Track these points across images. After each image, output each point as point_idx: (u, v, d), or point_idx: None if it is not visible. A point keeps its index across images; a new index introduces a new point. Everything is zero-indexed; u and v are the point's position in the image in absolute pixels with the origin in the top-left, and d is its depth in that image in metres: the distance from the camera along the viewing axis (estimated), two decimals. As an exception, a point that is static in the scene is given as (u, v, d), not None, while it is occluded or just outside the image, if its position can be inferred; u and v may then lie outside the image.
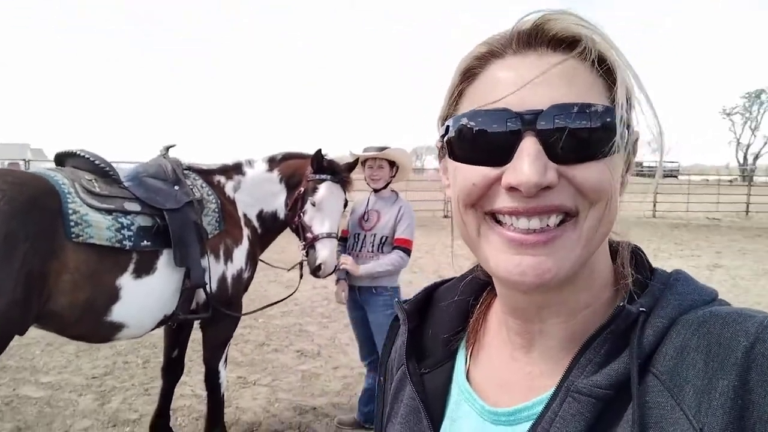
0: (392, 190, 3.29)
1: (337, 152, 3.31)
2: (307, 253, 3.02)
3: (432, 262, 9.12)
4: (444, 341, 0.63)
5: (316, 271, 2.96)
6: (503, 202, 0.48)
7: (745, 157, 45.37)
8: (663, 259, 9.57)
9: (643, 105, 0.50)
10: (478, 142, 0.49)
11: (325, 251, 2.91)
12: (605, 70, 0.49)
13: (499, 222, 0.50)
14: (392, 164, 3.21)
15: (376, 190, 3.23)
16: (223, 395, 3.02)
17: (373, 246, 3.15)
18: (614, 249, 0.57)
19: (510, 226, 0.48)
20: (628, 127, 0.49)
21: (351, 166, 3.16)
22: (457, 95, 0.54)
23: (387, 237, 3.15)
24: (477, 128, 0.49)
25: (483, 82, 0.52)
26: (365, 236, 3.18)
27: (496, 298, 0.62)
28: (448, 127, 0.53)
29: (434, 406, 0.59)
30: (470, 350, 0.62)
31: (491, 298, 0.64)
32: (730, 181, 29.12)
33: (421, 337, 0.65)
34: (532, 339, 0.55)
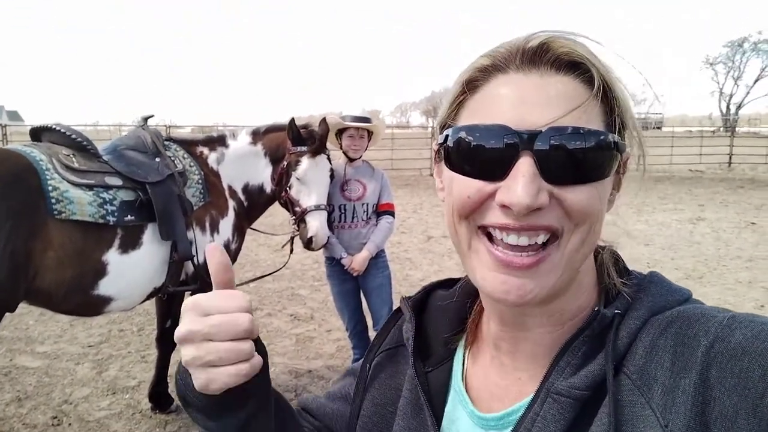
0: (363, 160, 3.31)
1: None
2: (297, 227, 3.02)
3: (420, 222, 9.18)
4: (444, 341, 0.64)
5: (308, 244, 2.97)
6: (495, 217, 0.48)
7: (728, 107, 45.44)
8: (647, 213, 9.74)
9: (635, 129, 0.52)
10: (474, 155, 0.49)
11: (316, 224, 2.92)
12: (604, 95, 0.50)
13: (489, 236, 0.50)
14: (369, 133, 3.20)
15: (352, 159, 3.21)
16: (219, 362, 3.07)
17: (366, 215, 3.22)
18: (594, 253, 0.58)
19: (500, 241, 0.49)
20: (621, 151, 0.50)
21: (324, 136, 3.01)
22: (457, 105, 0.54)
23: (374, 204, 3.25)
24: (475, 142, 0.49)
25: (484, 96, 0.52)
26: (355, 206, 3.20)
27: None
28: (447, 135, 0.53)
29: (435, 403, 0.61)
30: (468, 351, 0.64)
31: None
32: (713, 131, 29.31)
33: (421, 335, 0.66)
34: (517, 345, 0.56)
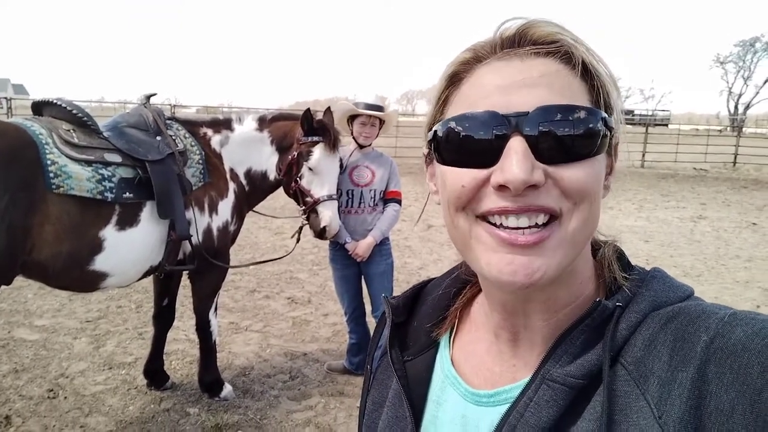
0: (372, 147, 3.31)
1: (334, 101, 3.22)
2: (308, 217, 3.02)
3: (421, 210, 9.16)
4: (426, 330, 0.65)
5: (321, 233, 2.97)
6: (493, 202, 0.48)
7: (736, 107, 45.15)
8: (649, 210, 9.72)
9: (618, 111, 0.52)
10: (465, 144, 0.50)
11: (329, 213, 2.93)
12: (586, 74, 0.50)
13: (490, 223, 0.50)
14: (381, 121, 3.20)
15: (362, 147, 3.21)
16: (215, 342, 3.11)
17: (373, 200, 3.23)
18: (596, 247, 0.58)
19: (500, 226, 0.49)
20: (611, 129, 0.50)
21: (332, 126, 2.99)
22: (443, 100, 0.55)
23: (382, 191, 3.26)
24: (464, 131, 0.50)
25: (469, 86, 0.53)
26: (362, 192, 3.21)
27: (481, 292, 0.64)
28: (435, 132, 0.53)
29: (416, 390, 0.62)
30: (453, 337, 0.64)
31: (473, 292, 0.66)
32: (720, 131, 29.15)
33: (405, 330, 0.67)
34: (518, 333, 0.57)
